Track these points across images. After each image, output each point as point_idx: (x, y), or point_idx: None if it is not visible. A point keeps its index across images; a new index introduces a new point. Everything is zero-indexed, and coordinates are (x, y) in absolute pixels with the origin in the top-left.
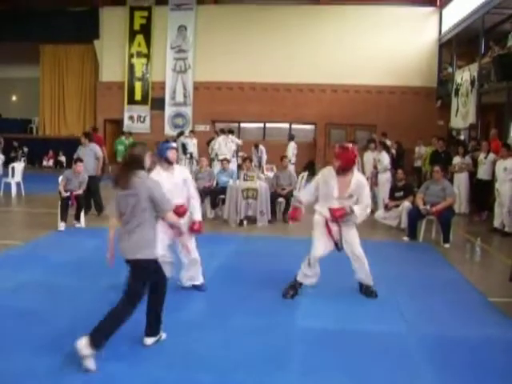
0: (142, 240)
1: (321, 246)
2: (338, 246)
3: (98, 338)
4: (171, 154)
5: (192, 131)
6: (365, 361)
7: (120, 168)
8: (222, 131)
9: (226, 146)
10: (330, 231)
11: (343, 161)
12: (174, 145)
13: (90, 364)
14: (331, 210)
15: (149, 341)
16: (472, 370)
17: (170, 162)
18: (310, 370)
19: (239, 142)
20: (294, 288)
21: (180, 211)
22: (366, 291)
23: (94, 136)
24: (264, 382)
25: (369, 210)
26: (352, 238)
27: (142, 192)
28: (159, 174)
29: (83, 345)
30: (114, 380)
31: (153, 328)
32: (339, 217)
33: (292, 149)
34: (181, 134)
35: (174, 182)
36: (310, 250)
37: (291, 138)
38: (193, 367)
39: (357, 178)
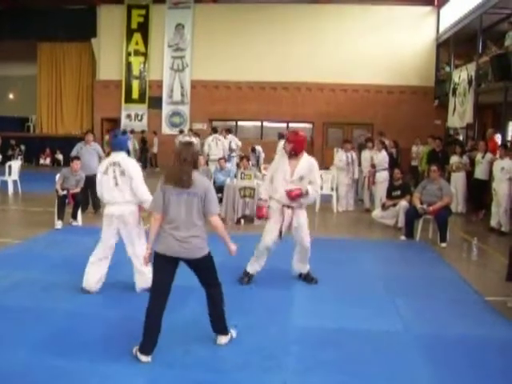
0: (201, 238)
1: (273, 235)
2: (282, 234)
3: (225, 327)
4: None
5: (191, 130)
6: (362, 360)
7: (180, 166)
8: (214, 130)
9: (216, 145)
10: (283, 218)
11: (295, 144)
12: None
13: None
14: (287, 192)
15: (223, 340)
16: (469, 369)
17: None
18: (308, 369)
19: (239, 143)
20: (247, 275)
21: None
22: (306, 278)
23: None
24: (262, 380)
25: (320, 191)
26: (303, 223)
27: (201, 191)
28: None
29: (223, 340)
30: (113, 380)
31: (222, 325)
32: (296, 196)
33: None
34: (181, 132)
35: None
36: (261, 239)
37: (281, 136)
38: (191, 366)
39: (307, 159)
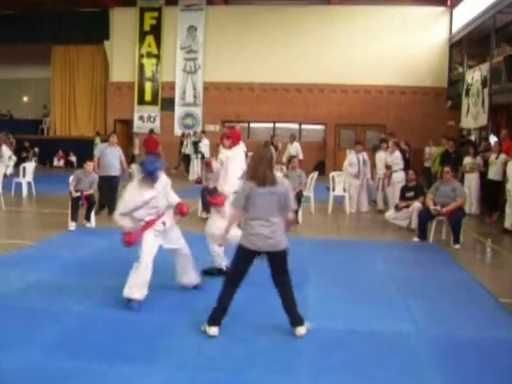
0: (282, 231)
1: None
2: None
3: (300, 317)
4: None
5: (203, 131)
6: (373, 361)
7: (264, 167)
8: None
9: None
10: None
11: (233, 138)
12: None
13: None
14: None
15: (302, 330)
16: (481, 371)
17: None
18: (319, 370)
19: (244, 148)
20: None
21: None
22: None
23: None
24: (273, 381)
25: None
26: None
27: (283, 189)
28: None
29: (302, 330)
30: (124, 381)
31: (298, 316)
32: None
33: (294, 150)
34: (194, 133)
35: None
36: None
37: (293, 138)
38: (203, 367)
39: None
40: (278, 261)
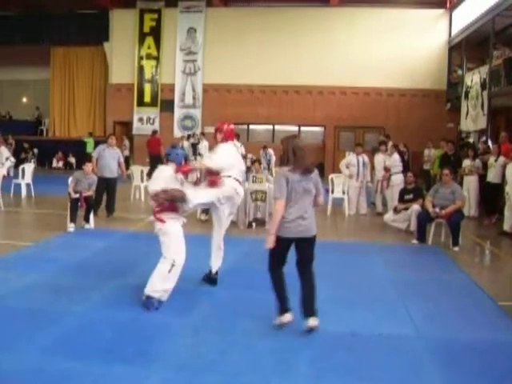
0: (314, 218)
1: None
2: None
3: (313, 308)
4: None
5: (202, 133)
6: (373, 364)
7: (305, 155)
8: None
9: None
10: None
11: (225, 132)
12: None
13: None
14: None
15: (315, 321)
16: (481, 374)
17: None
18: (319, 373)
19: (243, 151)
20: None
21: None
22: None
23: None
24: None
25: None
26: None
27: (316, 176)
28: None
29: (315, 322)
30: (123, 382)
31: (313, 307)
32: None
33: None
34: (192, 135)
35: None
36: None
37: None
38: (202, 370)
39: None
40: (307, 246)
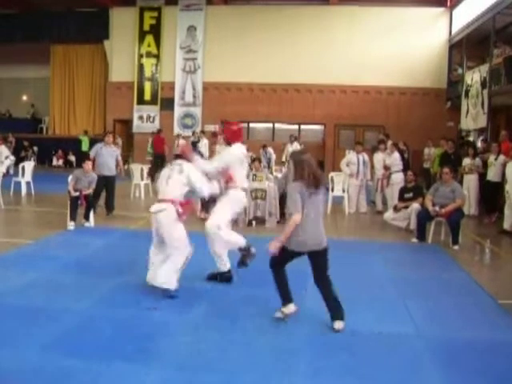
0: (323, 231)
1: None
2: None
3: (341, 312)
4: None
5: (202, 132)
6: (373, 363)
7: (317, 170)
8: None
9: None
10: None
11: (227, 133)
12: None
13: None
14: None
15: (340, 325)
16: (481, 373)
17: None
18: (318, 372)
19: (244, 151)
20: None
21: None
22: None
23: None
24: (272, 383)
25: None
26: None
27: (324, 189)
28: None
29: (340, 325)
30: (123, 380)
31: (338, 311)
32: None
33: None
34: (192, 133)
35: None
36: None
37: (294, 139)
38: (202, 368)
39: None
40: (320, 258)
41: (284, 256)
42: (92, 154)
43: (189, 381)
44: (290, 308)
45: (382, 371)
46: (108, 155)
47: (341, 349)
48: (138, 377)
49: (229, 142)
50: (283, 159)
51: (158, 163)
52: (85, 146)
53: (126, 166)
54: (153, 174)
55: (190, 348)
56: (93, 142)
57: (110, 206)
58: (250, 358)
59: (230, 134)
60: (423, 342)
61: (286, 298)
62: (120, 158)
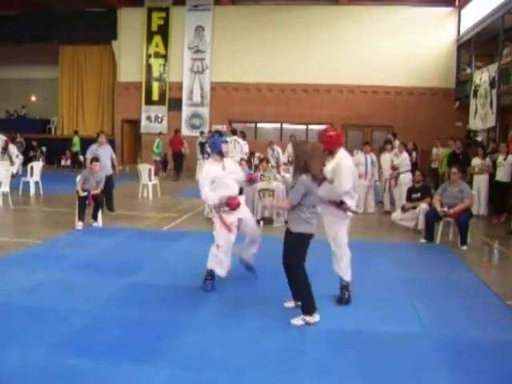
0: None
1: None
2: None
3: (305, 307)
4: (224, 148)
5: (210, 131)
6: (380, 362)
7: (320, 162)
8: (233, 132)
9: (234, 147)
10: None
11: (325, 143)
12: (227, 139)
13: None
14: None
15: (298, 321)
16: (488, 373)
17: (222, 155)
18: (325, 371)
19: (247, 150)
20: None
21: (233, 203)
22: None
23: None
24: (278, 382)
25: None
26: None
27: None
28: (212, 165)
29: (298, 322)
30: (131, 380)
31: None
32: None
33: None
34: (201, 133)
35: (223, 174)
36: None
37: (295, 138)
38: (208, 367)
39: (336, 160)
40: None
41: (304, 242)
42: (89, 155)
43: (197, 380)
44: (316, 317)
45: (389, 370)
46: (104, 155)
47: (348, 348)
48: (146, 377)
49: (329, 152)
50: (285, 160)
51: (175, 161)
52: (76, 147)
53: (127, 167)
54: (159, 172)
55: (198, 348)
56: (84, 143)
57: (109, 206)
58: (257, 358)
59: (332, 143)
60: (430, 342)
61: (315, 306)
62: (114, 156)
